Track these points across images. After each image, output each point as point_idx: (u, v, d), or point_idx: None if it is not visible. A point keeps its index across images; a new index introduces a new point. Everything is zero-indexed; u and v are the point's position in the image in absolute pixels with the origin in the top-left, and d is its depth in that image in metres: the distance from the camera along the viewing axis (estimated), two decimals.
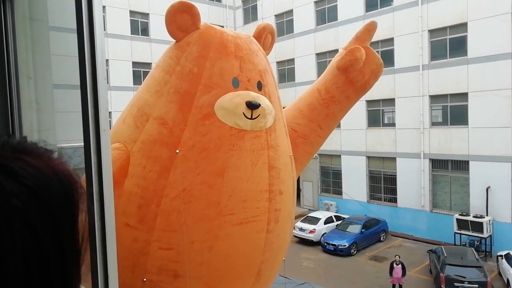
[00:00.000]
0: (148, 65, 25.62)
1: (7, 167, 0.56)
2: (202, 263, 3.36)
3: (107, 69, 23.43)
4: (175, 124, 3.26)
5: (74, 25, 1.17)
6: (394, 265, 13.76)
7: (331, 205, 22.98)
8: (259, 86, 3.53)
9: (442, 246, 15.51)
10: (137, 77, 25.32)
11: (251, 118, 3.30)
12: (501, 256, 15.09)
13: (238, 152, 3.35)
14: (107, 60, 23.30)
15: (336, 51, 23.29)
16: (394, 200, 21.01)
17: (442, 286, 13.06)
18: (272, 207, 3.58)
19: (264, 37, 4.01)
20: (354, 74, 4.40)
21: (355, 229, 18.57)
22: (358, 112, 20.61)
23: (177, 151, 3.20)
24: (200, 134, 3.26)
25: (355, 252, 17.86)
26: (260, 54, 3.71)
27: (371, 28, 4.75)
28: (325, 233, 18.90)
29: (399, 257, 14.04)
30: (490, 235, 16.83)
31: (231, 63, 3.39)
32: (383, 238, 19.56)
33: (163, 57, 3.58)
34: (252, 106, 3.26)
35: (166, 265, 3.33)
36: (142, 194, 3.26)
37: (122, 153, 3.31)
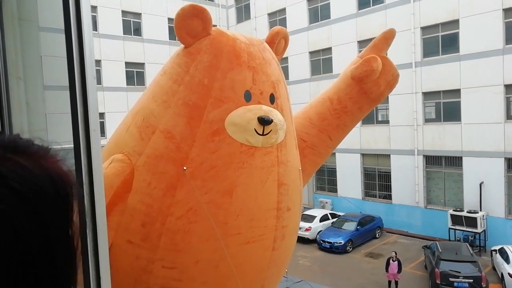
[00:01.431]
0: (141, 65, 25.51)
1: None
2: (206, 282, 3.26)
3: (99, 69, 23.30)
4: (182, 139, 3.06)
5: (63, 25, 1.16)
6: (391, 261, 13.83)
7: (326, 202, 23.04)
8: (272, 99, 3.33)
9: (437, 242, 15.60)
10: (130, 78, 25.20)
11: (262, 134, 3.13)
12: (495, 250, 15.23)
13: (248, 170, 3.18)
14: (99, 61, 23.17)
15: (329, 49, 23.54)
16: (389, 197, 21.11)
17: (437, 281, 13.14)
18: (279, 224, 3.46)
19: (278, 42, 3.78)
20: (369, 85, 4.15)
21: (350, 226, 18.64)
22: None
23: (185, 168, 3.03)
24: (209, 151, 3.07)
25: (350, 249, 17.93)
26: (273, 63, 3.48)
27: (389, 36, 4.42)
28: (320, 230, 18.96)
29: (396, 253, 14.12)
30: (484, 230, 16.98)
31: (244, 75, 3.16)
32: (378, 235, 19.65)
33: (170, 63, 3.33)
34: (264, 122, 3.08)
35: (169, 283, 3.22)
36: (147, 212, 3.10)
37: (126, 167, 3.12)
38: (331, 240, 17.73)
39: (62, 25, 1.17)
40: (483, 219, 16.89)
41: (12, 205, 0.53)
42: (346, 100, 4.23)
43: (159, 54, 26.06)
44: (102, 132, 23.31)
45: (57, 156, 0.63)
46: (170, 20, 26.86)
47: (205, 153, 3.07)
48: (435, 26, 19.04)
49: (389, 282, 14.06)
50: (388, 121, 21.01)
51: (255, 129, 3.09)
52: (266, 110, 3.16)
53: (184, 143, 3.06)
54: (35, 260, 0.55)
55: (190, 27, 3.11)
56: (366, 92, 4.19)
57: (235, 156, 3.12)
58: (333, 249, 17.60)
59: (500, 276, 14.05)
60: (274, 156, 3.32)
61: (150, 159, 3.12)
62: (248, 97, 3.15)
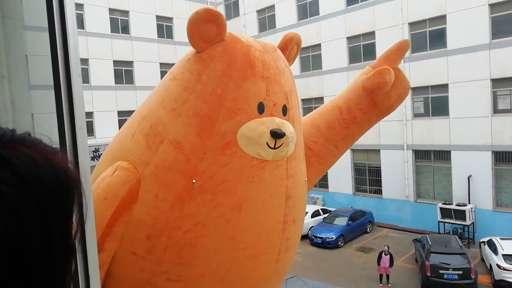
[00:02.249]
0: (130, 63, 25.28)
1: (1, 154, 0.55)
2: None
3: (87, 68, 23.03)
4: (192, 151, 2.94)
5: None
6: (383, 255, 13.98)
7: (317, 198, 23.17)
8: (284, 111, 3.22)
9: (427, 235, 15.81)
10: (119, 76, 24.97)
11: (274, 148, 3.02)
12: (483, 242, 15.49)
13: (258, 184, 3.10)
14: (87, 60, 22.89)
15: (318, 45, 23.60)
16: (379, 192, 21.31)
17: (427, 274, 13.33)
18: (285, 236, 3.43)
19: (290, 48, 3.67)
20: (380, 97, 4.03)
21: (341, 221, 18.78)
22: None
23: (194, 181, 2.92)
24: (219, 164, 2.96)
25: (342, 244, 18.07)
26: (286, 71, 3.37)
27: (403, 48, 4.27)
28: (312, 226, 19.06)
29: (388, 247, 14.26)
30: (473, 223, 17.25)
31: (258, 86, 3.03)
32: (369, 230, 19.84)
33: (180, 69, 3.15)
34: (277, 136, 2.97)
35: None
36: (152, 224, 3.00)
37: (131, 176, 2.99)
38: (323, 235, 17.85)
39: (47, 23, 1.15)
40: (471, 211, 17.15)
41: (13, 188, 0.54)
42: (356, 110, 4.10)
43: (148, 52, 25.86)
44: (91, 132, 23.07)
45: (65, 155, 0.64)
46: (158, 17, 26.66)
47: (216, 166, 2.96)
48: (423, 22, 19.20)
49: (380, 275, 14.22)
50: None
51: (267, 142, 2.99)
52: (278, 122, 3.05)
53: (194, 155, 2.94)
54: (31, 247, 0.55)
55: (203, 32, 2.93)
56: (377, 104, 4.08)
57: (245, 170, 3.03)
58: (325, 244, 17.72)
59: (488, 267, 14.30)
60: (284, 169, 3.24)
61: (158, 170, 2.99)
62: (261, 109, 3.04)
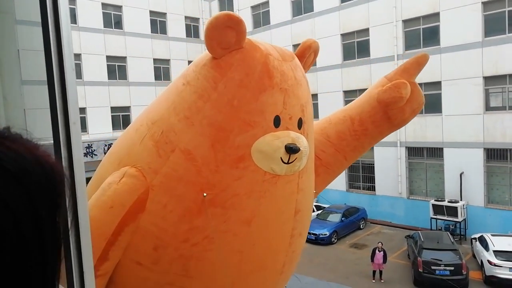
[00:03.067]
0: (123, 59, 25.10)
1: None
2: None
3: (79, 64, 22.82)
4: (204, 163, 2.84)
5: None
6: (377, 251, 14.06)
7: None
8: (299, 124, 3.13)
9: (419, 231, 15.96)
10: (112, 72, 24.79)
11: (287, 163, 2.95)
12: (474, 238, 15.66)
13: (269, 199, 3.03)
14: (79, 55, 22.69)
15: None
16: (373, 188, 21.44)
17: (419, 270, 13.46)
18: (290, 249, 3.41)
19: (308, 56, 3.57)
20: (394, 111, 3.92)
21: (335, 218, 18.88)
22: (336, 103, 20.83)
23: (205, 194, 2.82)
24: (232, 178, 2.88)
25: (335, 240, 18.17)
26: (304, 82, 3.26)
27: (421, 62, 4.14)
28: None
29: (382, 244, 14.34)
30: (464, 219, 17.43)
31: (275, 98, 2.92)
32: (362, 226, 19.97)
33: (196, 74, 3.00)
34: (292, 151, 2.90)
35: None
36: (160, 235, 2.92)
37: (139, 185, 2.87)
38: (316, 231, 17.93)
39: (39, 18, 1.13)
40: (463, 208, 17.33)
41: (4, 184, 0.54)
42: (368, 122, 4.00)
43: (141, 47, 25.69)
44: (84, 128, 22.91)
45: (46, 149, 0.64)
46: (152, 13, 26.47)
47: (228, 180, 2.87)
48: (417, 19, 19.27)
49: (374, 271, 14.33)
50: None
51: (281, 157, 2.92)
52: (293, 137, 2.97)
53: (206, 167, 2.84)
54: (25, 238, 0.55)
55: (222, 38, 2.78)
56: (390, 118, 3.97)
57: (257, 184, 2.95)
58: (318, 241, 17.81)
59: (480, 263, 14.47)
60: (295, 184, 3.18)
61: (168, 180, 2.88)
62: (277, 123, 2.94)
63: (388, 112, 3.93)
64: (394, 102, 3.84)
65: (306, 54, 3.51)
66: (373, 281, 14.25)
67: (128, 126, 3.59)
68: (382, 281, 14.15)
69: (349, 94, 21.64)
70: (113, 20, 24.93)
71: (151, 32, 26.36)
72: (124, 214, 2.80)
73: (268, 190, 3.00)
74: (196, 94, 2.91)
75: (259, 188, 2.96)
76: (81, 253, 1.08)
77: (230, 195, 2.90)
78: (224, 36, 2.78)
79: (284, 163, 2.94)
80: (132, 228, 2.87)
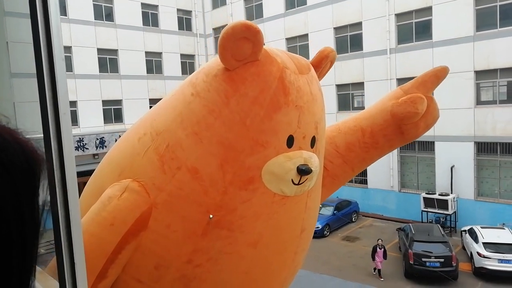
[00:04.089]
0: (115, 51, 24.84)
1: None
2: None
3: (70, 56, 22.54)
4: (212, 184, 2.69)
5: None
6: (378, 249, 13.88)
7: None
8: (313, 143, 2.96)
9: (410, 224, 16.14)
10: (103, 65, 24.53)
11: (297, 184, 2.83)
12: (464, 231, 15.89)
13: (276, 221, 2.93)
14: (69, 47, 22.40)
15: (306, 36, 23.55)
16: (365, 182, 21.59)
17: (410, 262, 13.63)
18: (293, 265, 3.38)
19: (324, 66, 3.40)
20: (408, 126, 3.71)
21: (327, 211, 19.00)
22: (328, 97, 20.87)
23: (211, 216, 2.69)
24: (240, 200, 2.74)
25: (328, 233, 18.31)
26: (319, 97, 3.07)
27: (440, 75, 3.91)
28: None
29: (382, 240, 14.19)
30: (455, 212, 17.67)
31: (290, 117, 2.75)
32: (354, 219, 20.13)
33: (206, 85, 2.76)
34: (304, 172, 2.76)
35: None
36: (162, 254, 2.82)
37: (142, 202, 2.72)
38: None
39: (28, 9, 1.11)
40: (453, 201, 17.55)
41: None
42: (380, 135, 3.80)
43: (132, 40, 25.43)
44: (75, 121, 22.68)
45: (26, 135, 0.65)
46: (143, 5, 26.17)
47: (235, 202, 2.74)
48: (409, 13, 19.31)
49: (375, 268, 14.17)
50: (364, 107, 21.31)
51: (292, 179, 2.79)
52: (306, 157, 2.83)
53: (213, 188, 2.69)
54: (6, 221, 0.56)
55: (237, 49, 2.57)
56: (403, 133, 3.77)
57: (266, 206, 2.82)
58: None
59: (469, 255, 14.70)
60: (303, 203, 3.07)
61: (172, 199, 2.74)
62: (290, 143, 2.78)
63: (401, 126, 3.73)
64: (408, 117, 3.61)
65: (323, 64, 3.31)
66: (382, 279, 13.94)
67: (130, 130, 3.37)
68: (382, 279, 13.91)
69: (342, 88, 21.69)
70: (104, 12, 24.60)
71: (143, 25, 26.08)
72: (125, 232, 2.67)
73: (276, 212, 2.88)
74: (206, 108, 2.71)
75: (267, 210, 2.84)
76: (72, 246, 1.07)
77: (237, 217, 2.77)
78: (240, 47, 2.57)
79: (295, 184, 2.81)
80: (133, 246, 2.74)
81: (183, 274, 2.84)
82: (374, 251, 14.01)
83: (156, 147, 2.82)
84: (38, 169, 0.63)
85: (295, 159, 2.76)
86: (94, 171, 3.52)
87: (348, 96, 22.02)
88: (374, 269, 14.21)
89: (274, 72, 2.70)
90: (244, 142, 2.67)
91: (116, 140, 19.19)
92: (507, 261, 13.19)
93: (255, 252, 2.92)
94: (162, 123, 2.91)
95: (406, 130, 3.73)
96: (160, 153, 2.78)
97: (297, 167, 2.75)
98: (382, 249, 13.86)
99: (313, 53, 22.91)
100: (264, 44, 2.70)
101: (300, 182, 2.82)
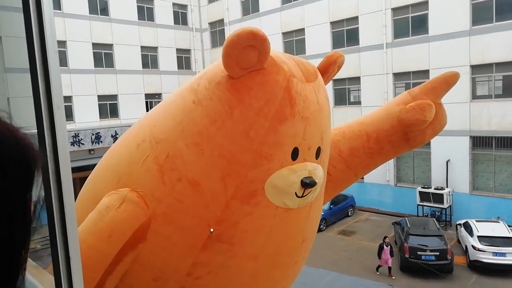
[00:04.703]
0: (110, 46, 24.67)
1: None
2: None
3: (64, 51, 22.37)
4: (214, 197, 2.61)
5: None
6: (384, 246, 13.65)
7: None
8: (318, 154, 2.87)
9: (406, 218, 16.25)
10: (98, 60, 24.37)
11: (301, 197, 2.75)
12: (459, 224, 16.02)
13: (278, 234, 2.86)
14: (64, 42, 22.23)
15: (302, 30, 23.51)
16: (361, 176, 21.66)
17: (406, 255, 13.75)
18: (292, 274, 3.36)
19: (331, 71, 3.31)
20: (415, 133, 3.61)
21: (324, 205, 19.05)
22: None
23: (212, 230, 2.62)
24: (241, 214, 2.67)
25: (324, 227, 18.39)
26: (326, 106, 2.96)
27: (450, 82, 3.78)
28: None
29: (388, 238, 13.99)
30: (450, 206, 17.80)
31: (296, 129, 2.65)
32: (350, 213, 20.24)
33: (208, 93, 2.64)
34: (308, 186, 2.68)
35: None
36: (161, 267, 2.76)
37: (141, 214, 2.63)
38: None
39: (20, 3, 1.10)
40: (449, 195, 17.68)
41: None
42: (385, 142, 3.69)
43: (128, 35, 25.27)
44: (71, 116, 22.57)
45: (26, 133, 0.65)
46: None
47: (237, 216, 2.66)
48: (406, 7, 19.30)
49: (379, 266, 13.96)
50: (360, 102, 21.35)
51: (295, 192, 2.71)
52: (310, 169, 2.74)
53: (215, 201, 2.61)
54: None
55: (243, 57, 2.44)
56: (409, 140, 3.66)
57: (268, 220, 2.75)
58: None
59: (464, 248, 14.83)
60: (306, 214, 3.00)
61: (172, 211, 2.65)
62: (295, 155, 2.68)
63: (407, 133, 3.62)
64: (416, 125, 3.49)
65: (331, 69, 3.19)
66: (393, 278, 13.70)
67: (129, 133, 3.24)
68: (393, 277, 13.66)
69: (338, 83, 21.69)
70: (98, 6, 24.40)
71: (138, 19, 25.91)
72: (124, 244, 2.60)
73: (278, 225, 2.81)
74: (208, 118, 2.59)
75: (269, 223, 2.77)
76: (67, 241, 1.07)
77: (238, 231, 2.70)
78: (245, 55, 2.44)
79: (298, 197, 2.74)
80: (132, 258, 2.69)
81: (182, 286, 2.80)
82: (380, 249, 13.75)
83: (155, 156, 2.73)
84: (34, 164, 0.62)
85: (299, 172, 2.68)
86: (91, 174, 3.43)
87: (344, 90, 22.03)
88: (377, 268, 13.97)
89: (281, 81, 2.59)
90: (248, 155, 2.58)
91: (112, 136, 19.02)
92: (502, 254, 13.32)
93: (255, 264, 2.88)
94: (162, 131, 2.81)
95: (412, 137, 3.63)
96: (160, 163, 2.69)
97: (301, 180, 2.67)
98: (389, 247, 13.62)
99: (309, 48, 22.93)
100: (270, 52, 2.56)
101: (304, 195, 2.75)
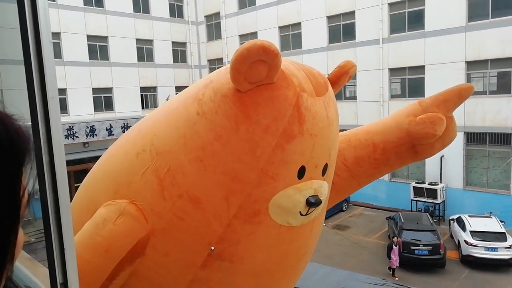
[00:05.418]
0: (105, 38, 24.47)
1: None
2: None
3: (59, 43, 22.16)
4: (216, 215, 2.52)
5: None
6: (393, 246, 13.47)
7: None
8: (324, 171, 2.76)
9: (400, 213, 16.38)
10: (93, 52, 24.17)
11: (305, 215, 2.67)
12: (452, 220, 16.18)
13: (280, 251, 2.80)
14: (58, 34, 22.01)
15: (298, 24, 23.43)
16: None
17: (399, 250, 13.87)
18: (291, 285, 3.34)
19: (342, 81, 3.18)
20: (424, 146, 3.48)
21: None
22: None
23: (212, 248, 2.56)
24: (244, 233, 2.60)
25: None
26: (335, 120, 2.84)
27: (464, 95, 3.59)
28: None
29: (397, 238, 13.85)
30: (443, 201, 17.95)
31: (304, 147, 2.54)
32: (345, 208, 20.35)
33: (214, 105, 2.50)
34: (314, 205, 2.61)
35: None
36: (159, 282, 2.70)
37: (140, 228, 2.54)
38: None
39: None
40: (442, 190, 17.82)
41: None
42: (392, 153, 3.56)
43: (123, 27, 25.06)
44: (65, 109, 22.41)
45: (18, 119, 0.64)
46: None
47: (239, 235, 2.59)
48: (402, 2, 19.29)
49: (390, 267, 13.71)
50: (356, 97, 21.38)
51: (300, 211, 2.63)
52: (316, 187, 2.65)
53: (216, 220, 2.52)
54: None
55: (252, 72, 2.30)
56: (417, 153, 3.54)
57: (271, 238, 2.68)
58: None
59: (457, 243, 14.98)
60: (309, 231, 2.93)
61: (172, 228, 2.56)
62: (301, 174, 2.58)
63: (416, 146, 3.49)
64: (425, 138, 3.37)
65: (342, 80, 3.11)
66: (396, 279, 13.03)
67: (128, 138, 3.11)
68: (396, 278, 13.10)
69: None
70: None
71: (134, 11, 25.69)
72: (121, 260, 2.53)
73: (281, 243, 2.76)
74: (213, 133, 2.47)
75: (272, 242, 2.70)
76: (62, 232, 1.07)
77: (240, 249, 2.64)
78: (255, 70, 2.29)
79: (302, 215, 2.67)
80: (129, 272, 2.62)
81: None
82: (390, 249, 13.56)
83: (155, 169, 2.62)
84: (25, 149, 0.62)
85: (305, 191, 2.59)
86: (86, 177, 3.32)
87: None
88: (389, 268, 13.76)
89: (290, 97, 2.44)
90: (253, 174, 2.47)
91: (106, 129, 18.85)
92: (494, 249, 13.48)
93: (256, 280, 2.85)
94: (163, 142, 2.68)
95: (420, 150, 3.50)
96: (160, 177, 2.59)
97: (307, 199, 2.58)
98: (398, 247, 13.49)
99: (305, 43, 22.87)
100: (280, 66, 2.42)
101: (308, 213, 2.68)
